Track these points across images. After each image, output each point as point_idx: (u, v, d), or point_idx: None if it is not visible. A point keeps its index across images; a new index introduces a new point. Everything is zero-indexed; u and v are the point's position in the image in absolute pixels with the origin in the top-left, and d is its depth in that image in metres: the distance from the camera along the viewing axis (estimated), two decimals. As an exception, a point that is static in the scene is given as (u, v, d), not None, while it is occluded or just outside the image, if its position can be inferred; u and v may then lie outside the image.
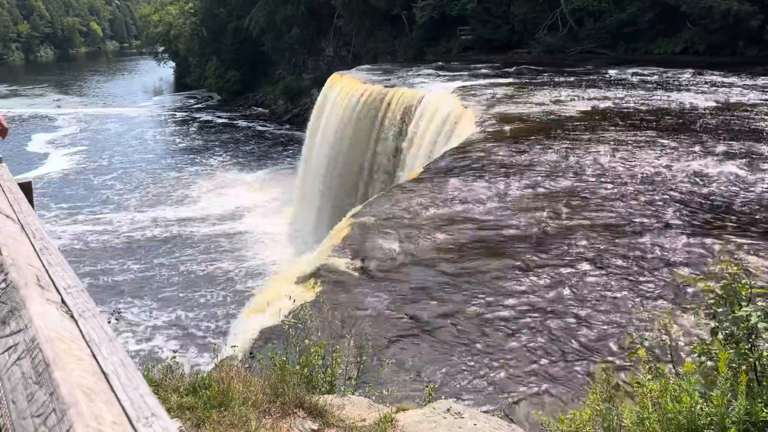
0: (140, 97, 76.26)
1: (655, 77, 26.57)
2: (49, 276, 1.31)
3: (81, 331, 1.06)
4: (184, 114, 61.14)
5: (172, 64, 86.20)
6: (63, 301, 1.19)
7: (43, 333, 1.01)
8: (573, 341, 7.76)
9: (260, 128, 52.51)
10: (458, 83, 25.66)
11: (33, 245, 1.50)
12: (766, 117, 18.00)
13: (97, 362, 0.96)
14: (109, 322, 1.15)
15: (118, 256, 26.06)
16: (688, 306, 8.01)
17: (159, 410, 0.85)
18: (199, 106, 65.82)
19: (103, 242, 27.80)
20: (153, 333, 19.57)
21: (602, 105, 20.52)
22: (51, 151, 46.16)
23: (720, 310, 4.52)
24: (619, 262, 9.58)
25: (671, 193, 12.14)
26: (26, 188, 2.31)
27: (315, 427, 4.98)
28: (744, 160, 13.87)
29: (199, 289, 22.75)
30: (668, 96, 21.78)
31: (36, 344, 0.99)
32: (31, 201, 2.18)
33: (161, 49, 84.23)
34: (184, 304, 21.59)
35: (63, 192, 35.86)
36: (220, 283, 23.36)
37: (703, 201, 11.68)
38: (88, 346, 1.01)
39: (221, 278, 23.77)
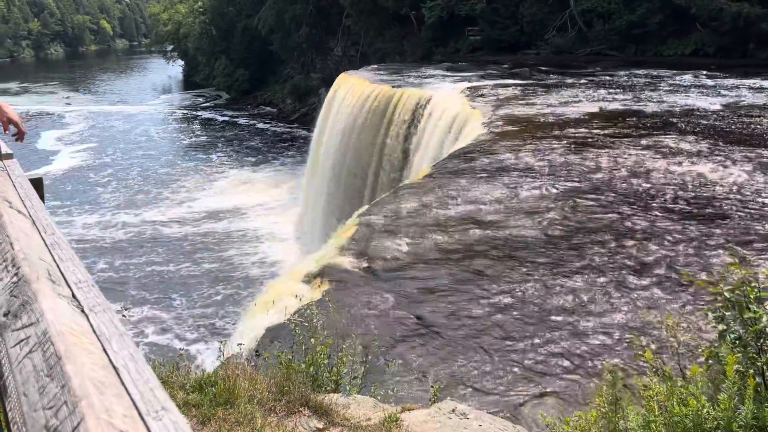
0: (149, 96, 76.57)
1: (665, 79, 26.45)
2: (60, 271, 1.32)
3: (92, 326, 1.07)
4: (192, 112, 61.38)
5: (181, 62, 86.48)
6: (74, 296, 1.20)
7: (55, 327, 1.02)
8: (579, 343, 7.74)
9: (268, 127, 52.62)
10: (466, 84, 25.63)
11: (44, 240, 1.51)
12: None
13: (108, 356, 0.97)
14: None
15: (116, 252, 26.23)
16: (697, 308, 7.98)
17: (169, 404, 0.86)
18: (208, 104, 66.02)
19: (93, 239, 27.97)
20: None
21: (611, 107, 20.45)
22: (59, 149, 46.43)
23: (728, 313, 4.50)
24: (627, 264, 9.55)
25: (680, 195, 12.09)
26: (37, 184, 2.33)
27: (320, 425, 4.99)
28: (754, 164, 13.79)
29: (203, 287, 22.84)
30: (677, 98, 21.68)
31: (47, 337, 1.00)
32: (41, 196, 2.20)
33: (170, 47, 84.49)
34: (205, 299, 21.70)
35: (68, 188, 36.09)
36: (221, 281, 23.42)
37: (712, 204, 11.62)
38: (99, 340, 1.02)
39: (226, 276, 23.84)
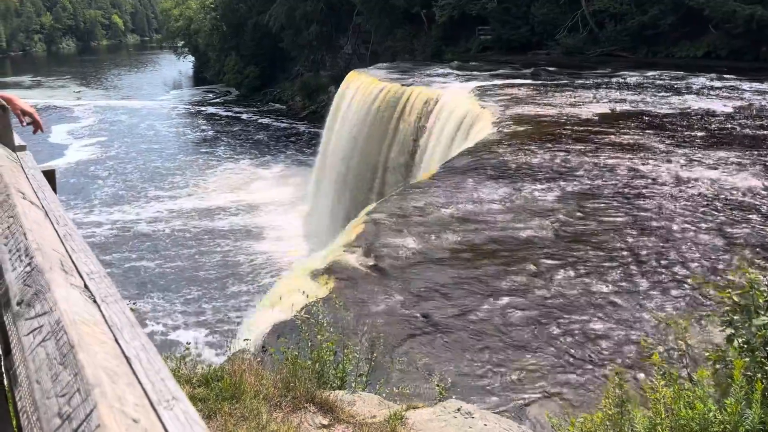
0: (159, 91, 76.86)
1: (676, 81, 26.29)
2: (72, 261, 1.34)
3: (104, 316, 1.08)
4: (202, 108, 61.58)
5: (192, 58, 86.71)
6: (86, 286, 1.21)
7: (68, 316, 1.03)
8: (586, 344, 7.71)
9: (278, 124, 52.70)
10: (476, 83, 25.60)
11: (57, 231, 1.53)
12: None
13: (120, 346, 0.98)
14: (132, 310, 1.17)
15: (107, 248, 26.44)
16: (705, 312, 7.93)
17: (179, 394, 0.87)
18: (217, 100, 66.20)
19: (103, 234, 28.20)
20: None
21: (621, 108, 20.35)
22: (70, 142, 46.75)
23: (737, 317, 4.48)
24: (635, 266, 9.51)
25: (689, 199, 12.02)
26: (50, 176, 2.35)
27: (325, 422, 5.01)
28: (763, 168, 13.69)
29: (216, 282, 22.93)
30: (689, 101, 21.55)
31: (61, 326, 1.01)
32: (54, 188, 2.22)
33: (181, 43, 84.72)
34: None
35: (76, 181, 36.36)
36: (227, 277, 23.51)
37: (721, 208, 11.55)
38: (111, 331, 1.03)
39: (234, 271, 23.92)
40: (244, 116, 56.15)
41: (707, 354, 4.73)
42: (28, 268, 1.27)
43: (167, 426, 0.79)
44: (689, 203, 11.79)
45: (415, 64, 36.44)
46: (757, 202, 11.73)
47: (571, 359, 7.45)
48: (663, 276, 9.21)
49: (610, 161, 14.28)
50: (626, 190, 12.47)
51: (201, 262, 24.81)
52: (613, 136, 16.53)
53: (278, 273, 22.48)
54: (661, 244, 10.15)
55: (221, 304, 21.09)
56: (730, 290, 4.60)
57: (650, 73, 28.61)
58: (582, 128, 17.51)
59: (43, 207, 1.73)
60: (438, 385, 5.95)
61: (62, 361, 0.92)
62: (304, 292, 8.84)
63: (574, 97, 22.51)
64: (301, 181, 34.51)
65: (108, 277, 1.25)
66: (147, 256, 25.59)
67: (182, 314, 20.49)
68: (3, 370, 2.23)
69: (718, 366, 4.52)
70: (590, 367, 7.29)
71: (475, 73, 29.99)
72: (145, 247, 26.52)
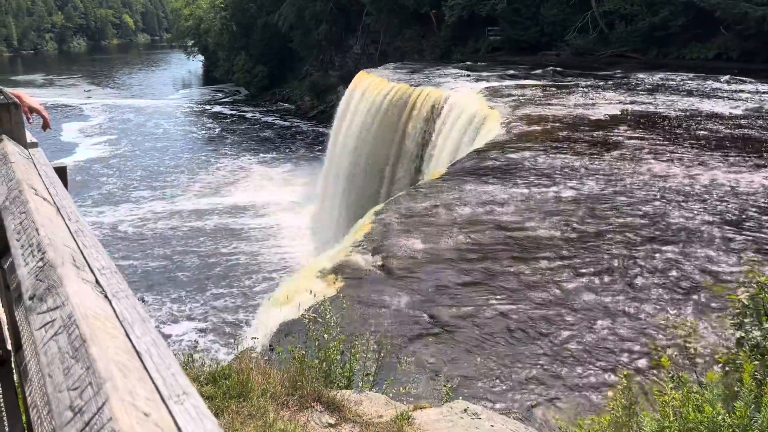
0: (169, 90, 77.27)
1: (687, 83, 26.14)
2: (84, 257, 1.35)
3: (115, 311, 1.09)
4: (211, 108, 61.84)
5: (201, 57, 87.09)
6: (97, 282, 1.22)
7: (80, 310, 1.04)
8: (595, 347, 7.68)
9: (286, 124, 52.81)
10: (485, 84, 25.54)
11: (68, 227, 1.54)
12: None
13: (131, 341, 0.99)
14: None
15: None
16: (715, 315, 7.88)
17: (190, 389, 0.87)
18: (226, 100, 66.45)
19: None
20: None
21: (631, 109, 20.26)
22: (80, 141, 47.07)
23: (746, 320, 4.45)
24: (645, 269, 9.46)
25: (698, 202, 11.95)
26: (61, 172, 2.37)
27: (332, 421, 5.01)
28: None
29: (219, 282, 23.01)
30: (699, 103, 21.41)
31: (73, 321, 1.02)
32: (65, 185, 2.24)
33: (191, 42, 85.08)
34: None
35: (93, 178, 36.61)
36: (237, 276, 23.59)
37: (731, 211, 11.47)
38: (122, 326, 1.04)
39: (242, 267, 24.01)
40: (253, 116, 56.31)
41: (717, 357, 4.70)
42: (40, 263, 1.28)
43: (178, 420, 0.80)
44: (699, 205, 11.71)
45: (424, 65, 36.39)
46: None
47: (578, 361, 7.42)
48: (672, 278, 9.15)
49: (618, 162, 14.22)
50: (635, 192, 12.41)
51: (181, 262, 25.03)
52: (622, 138, 16.45)
53: (281, 272, 22.55)
54: (670, 246, 10.09)
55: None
56: (739, 293, 4.57)
57: (660, 75, 28.45)
58: (591, 129, 17.44)
59: (54, 203, 1.75)
60: (445, 386, 5.94)
61: (74, 354, 0.93)
62: (311, 291, 8.85)
63: (584, 98, 22.43)
64: (309, 181, 34.58)
65: (119, 273, 1.26)
66: (157, 251, 25.78)
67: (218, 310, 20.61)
68: (12, 366, 2.25)
69: (727, 369, 4.50)
70: (599, 369, 7.26)
71: (484, 73, 29.93)
72: (138, 244, 26.72)
